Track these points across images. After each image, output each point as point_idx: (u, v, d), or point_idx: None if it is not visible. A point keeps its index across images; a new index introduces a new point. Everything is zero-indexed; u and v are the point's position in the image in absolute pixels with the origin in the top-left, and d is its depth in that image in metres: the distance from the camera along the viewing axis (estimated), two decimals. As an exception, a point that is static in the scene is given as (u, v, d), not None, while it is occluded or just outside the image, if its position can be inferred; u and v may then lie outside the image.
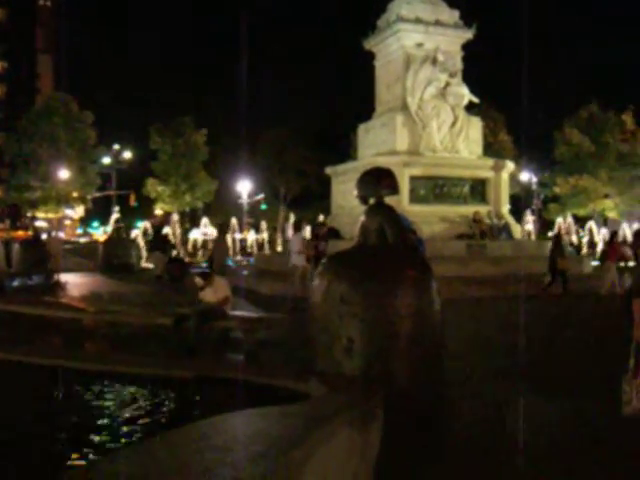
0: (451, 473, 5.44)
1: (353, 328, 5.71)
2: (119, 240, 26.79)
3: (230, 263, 37.22)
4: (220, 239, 19.16)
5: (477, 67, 28.83)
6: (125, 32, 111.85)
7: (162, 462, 3.11)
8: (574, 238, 43.10)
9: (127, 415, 6.50)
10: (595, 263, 27.89)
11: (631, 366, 6.53)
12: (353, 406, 4.50)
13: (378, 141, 26.29)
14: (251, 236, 47.12)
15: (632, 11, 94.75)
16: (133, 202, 59.34)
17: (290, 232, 49.57)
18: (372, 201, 6.70)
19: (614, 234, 24.20)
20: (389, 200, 6.78)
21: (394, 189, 6.80)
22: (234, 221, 48.19)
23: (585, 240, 42.10)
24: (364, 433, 4.43)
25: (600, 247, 37.99)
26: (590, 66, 74.70)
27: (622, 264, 21.87)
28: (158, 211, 59.17)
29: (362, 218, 6.68)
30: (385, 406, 4.96)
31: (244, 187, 59.04)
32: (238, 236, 47.99)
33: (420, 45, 25.77)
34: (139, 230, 38.36)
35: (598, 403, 7.35)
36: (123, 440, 5.83)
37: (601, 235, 42.36)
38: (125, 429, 6.20)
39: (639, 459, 5.75)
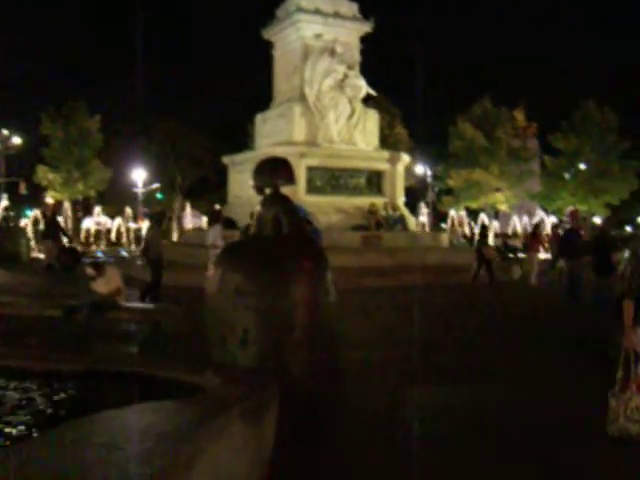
0: (342, 464, 5.44)
1: (248, 319, 5.66)
2: (7, 229, 25.74)
3: (124, 253, 36.48)
4: (153, 229, 18.55)
5: (375, 60, 29.11)
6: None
7: (38, 464, 2.92)
8: (467, 230, 44.31)
9: (9, 412, 6.19)
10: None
11: (619, 378, 5.95)
12: (246, 398, 4.42)
13: (276, 131, 26.19)
14: (146, 226, 46.26)
15: (516, 7, 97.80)
16: (23, 190, 57.19)
17: (188, 219, 49.07)
18: (268, 191, 6.61)
19: (537, 226, 25.28)
20: (286, 190, 6.71)
21: (290, 179, 6.74)
22: (128, 210, 47.19)
23: (477, 232, 43.25)
24: (258, 426, 4.36)
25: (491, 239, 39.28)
26: (484, 63, 76.74)
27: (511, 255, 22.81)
28: (49, 199, 57.19)
29: (257, 208, 6.59)
30: (280, 397, 4.91)
31: (139, 176, 57.76)
32: (133, 226, 47.06)
33: (319, 36, 25.81)
34: (29, 219, 37.08)
35: (498, 390, 7.53)
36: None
37: (492, 228, 43.68)
38: (6, 428, 5.90)
39: (532, 447, 5.88)
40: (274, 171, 6.73)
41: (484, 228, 24.75)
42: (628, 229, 59.34)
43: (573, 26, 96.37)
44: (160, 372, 6.05)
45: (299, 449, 5.16)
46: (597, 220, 57.86)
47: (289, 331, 5.68)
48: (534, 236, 22.85)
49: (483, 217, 43.88)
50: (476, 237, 42.00)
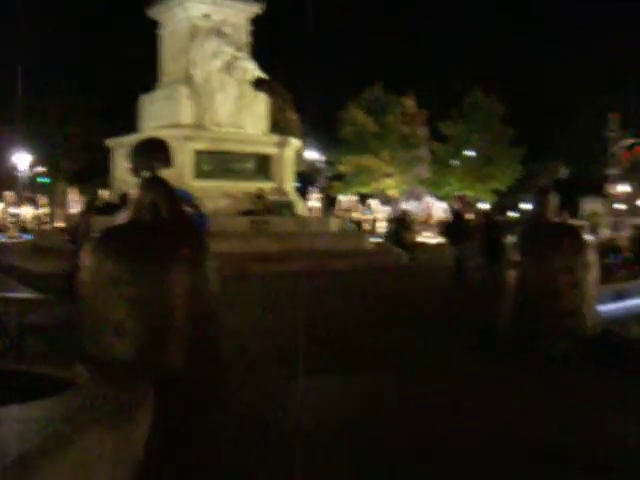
0: (222, 458, 5.23)
1: (123, 309, 5.35)
2: None
3: (2, 239, 34.94)
4: (85, 214, 17.50)
5: (266, 43, 28.76)
6: None
7: None
8: (357, 215, 44.74)
9: None
10: (376, 239, 29.04)
11: None
12: (115, 397, 4.11)
13: (162, 114, 25.46)
14: (28, 211, 44.49)
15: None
16: None
17: (72, 204, 47.38)
18: (145, 174, 6.26)
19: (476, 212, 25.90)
20: (171, 174, 6.37)
21: (167, 162, 6.39)
22: (9, 195, 45.18)
23: (369, 217, 43.76)
24: (126, 426, 4.05)
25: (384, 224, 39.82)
26: (376, 49, 77.34)
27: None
28: None
29: (132, 192, 6.27)
30: (158, 391, 4.61)
31: (21, 159, 55.34)
32: (14, 210, 45.16)
33: (207, 16, 25.20)
34: None
35: (390, 379, 7.45)
36: None
37: (382, 212, 44.28)
38: None
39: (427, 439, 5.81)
40: (151, 153, 6.39)
41: (404, 214, 25.27)
42: (512, 214, 61.34)
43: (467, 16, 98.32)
44: (25, 367, 5.65)
45: (174, 449, 4.89)
46: (484, 205, 59.61)
47: (166, 321, 5.41)
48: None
49: (373, 202, 44.41)
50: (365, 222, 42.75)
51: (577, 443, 5.50)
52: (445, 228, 20.57)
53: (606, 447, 5.42)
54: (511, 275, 9.25)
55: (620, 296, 13.87)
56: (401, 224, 23.23)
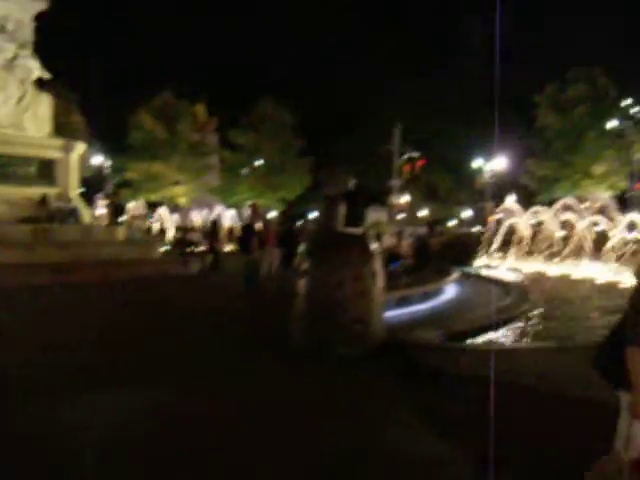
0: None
1: None
2: None
3: None
4: None
5: (52, 42, 27.32)
6: None
7: None
8: (146, 223, 43.70)
9: None
10: (165, 248, 28.52)
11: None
12: None
13: None
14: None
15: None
16: None
17: None
18: None
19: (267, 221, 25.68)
20: None
21: None
22: None
23: (157, 226, 42.89)
24: None
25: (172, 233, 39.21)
26: (167, 55, 76.30)
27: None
28: None
29: None
30: None
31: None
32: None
33: (-9, 11, 23.56)
34: None
35: (171, 394, 7.20)
36: None
37: (172, 221, 43.58)
38: None
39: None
40: None
41: (215, 223, 25.34)
42: (301, 223, 62.81)
43: (251, 28, 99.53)
44: None
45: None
46: (273, 214, 60.53)
47: None
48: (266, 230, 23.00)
49: (162, 210, 43.65)
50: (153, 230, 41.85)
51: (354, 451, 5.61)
52: (238, 237, 20.66)
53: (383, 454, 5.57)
54: (301, 284, 9.37)
55: (403, 302, 14.54)
56: (212, 233, 23.56)
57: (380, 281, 9.42)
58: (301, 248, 9.89)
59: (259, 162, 60.68)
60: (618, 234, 29.13)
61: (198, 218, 49.36)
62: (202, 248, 28.74)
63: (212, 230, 24.22)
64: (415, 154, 55.10)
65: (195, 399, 6.96)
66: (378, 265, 9.41)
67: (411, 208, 69.84)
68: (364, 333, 9.05)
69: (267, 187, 60.67)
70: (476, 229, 48.48)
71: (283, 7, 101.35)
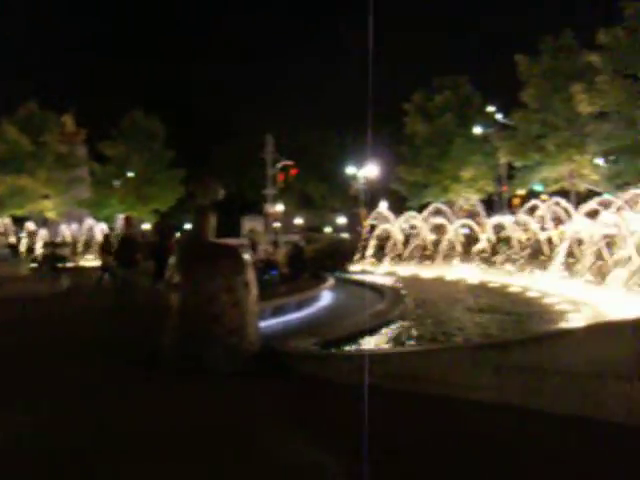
0: None
1: None
2: None
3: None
4: None
5: None
6: None
7: None
8: (13, 239, 41.96)
9: None
10: (32, 265, 27.39)
11: None
12: None
13: None
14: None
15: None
16: None
17: None
18: None
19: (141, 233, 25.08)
20: None
21: None
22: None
23: (24, 242, 41.31)
24: None
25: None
26: (31, 65, 73.58)
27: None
28: None
29: None
30: None
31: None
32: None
33: None
34: None
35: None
36: None
37: (40, 236, 42.02)
38: None
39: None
40: None
41: (107, 237, 24.11)
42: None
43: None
44: None
45: None
46: (146, 226, 59.41)
47: None
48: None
49: (31, 225, 42.03)
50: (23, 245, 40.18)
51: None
52: (115, 251, 19.96)
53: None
54: (173, 296, 9.15)
55: (279, 311, 14.50)
56: (101, 248, 22.54)
57: (254, 291, 9.31)
58: (172, 260, 9.63)
59: (130, 174, 59.39)
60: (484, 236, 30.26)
61: (68, 232, 47.79)
62: (71, 264, 27.79)
63: (104, 243, 22.90)
64: (289, 163, 55.41)
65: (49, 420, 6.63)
66: (251, 275, 9.29)
67: (286, 216, 70.17)
68: (239, 345, 8.90)
69: (139, 199, 59.48)
70: (350, 235, 49.23)
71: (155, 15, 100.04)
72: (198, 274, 9.01)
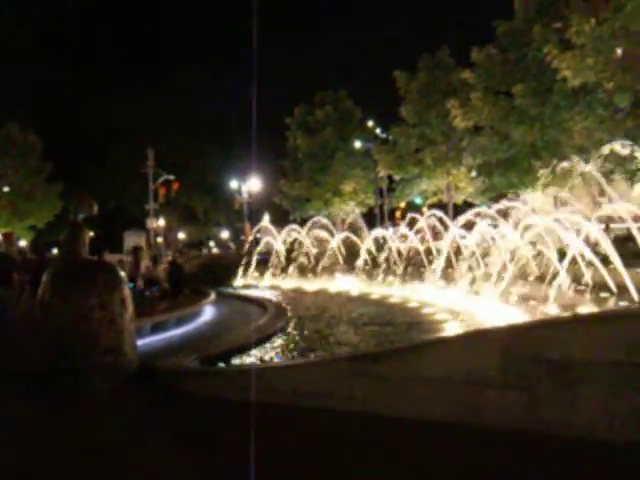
0: None
1: None
2: None
3: None
4: None
5: None
6: None
7: None
8: None
9: None
10: None
11: None
12: None
13: None
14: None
15: None
16: None
17: None
18: None
19: (136, 249, 24.11)
20: None
21: None
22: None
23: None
24: None
25: None
26: None
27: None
28: None
29: None
30: None
31: None
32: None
33: None
34: None
35: None
36: None
37: None
38: None
39: None
40: None
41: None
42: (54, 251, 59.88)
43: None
44: None
45: None
46: (23, 243, 57.28)
47: None
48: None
49: None
50: None
51: None
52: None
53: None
54: (44, 314, 8.82)
55: (158, 328, 14.21)
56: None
57: (130, 308, 9.08)
58: (45, 277, 9.27)
59: (5, 189, 57.04)
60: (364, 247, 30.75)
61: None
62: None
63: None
64: (171, 177, 54.67)
65: None
66: (127, 291, 9.06)
67: (170, 231, 69.17)
68: (115, 363, 8.65)
69: (14, 215, 57.18)
70: (234, 249, 48.98)
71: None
72: (72, 291, 8.71)
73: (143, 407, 7.78)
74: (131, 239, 57.83)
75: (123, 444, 6.29)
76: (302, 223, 40.35)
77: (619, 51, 27.36)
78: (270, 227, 37.76)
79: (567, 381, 5.59)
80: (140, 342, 10.33)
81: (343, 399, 6.84)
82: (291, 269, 32.96)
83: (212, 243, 75.16)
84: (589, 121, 28.73)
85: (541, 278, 17.60)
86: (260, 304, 20.09)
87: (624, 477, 4.92)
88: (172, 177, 54.98)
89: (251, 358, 11.78)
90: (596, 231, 15.87)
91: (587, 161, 23.92)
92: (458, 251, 23.38)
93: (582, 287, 15.98)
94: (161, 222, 59.44)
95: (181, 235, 76.01)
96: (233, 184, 61.62)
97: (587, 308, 13.53)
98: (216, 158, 74.55)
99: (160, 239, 58.98)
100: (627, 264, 15.23)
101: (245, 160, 59.03)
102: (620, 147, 22.37)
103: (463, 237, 22.95)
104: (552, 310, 14.70)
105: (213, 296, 19.82)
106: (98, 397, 8.08)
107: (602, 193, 24.63)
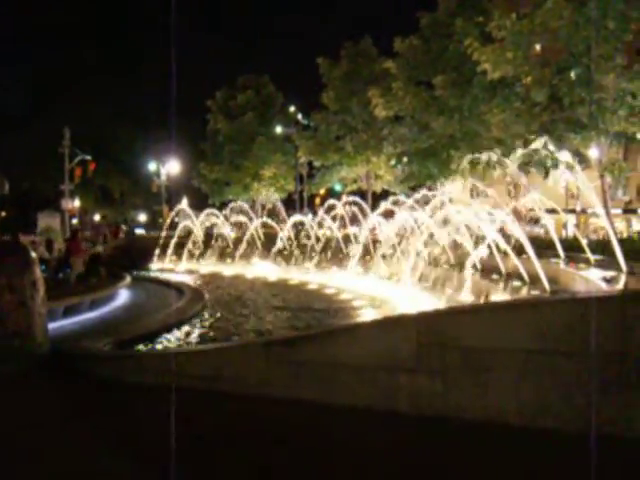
0: None
1: None
2: None
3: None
4: None
5: None
6: None
7: None
8: None
9: None
10: None
11: None
12: None
13: None
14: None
15: None
16: None
17: None
18: None
19: (76, 231, 23.99)
20: None
21: None
22: None
23: None
24: None
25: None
26: None
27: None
28: None
29: None
30: None
31: None
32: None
33: None
34: None
35: None
36: None
37: None
38: None
39: None
40: None
41: None
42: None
43: None
44: None
45: None
46: None
47: None
48: (73, 241, 20.53)
49: None
50: None
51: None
52: None
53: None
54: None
55: (72, 311, 13.90)
56: None
57: (42, 290, 8.84)
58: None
59: None
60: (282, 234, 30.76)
61: None
62: None
63: None
64: (87, 157, 53.23)
65: None
66: (38, 273, 8.82)
67: (85, 213, 67.62)
68: (24, 346, 8.42)
69: None
70: (153, 233, 48.25)
71: None
72: (-21, 273, 8.43)
73: (52, 391, 7.59)
74: (45, 220, 56.13)
75: (26, 427, 6.13)
76: (220, 207, 40.06)
77: (538, 46, 28.00)
78: (188, 211, 37.31)
79: (478, 367, 5.72)
80: (52, 325, 10.09)
81: (258, 384, 6.83)
82: (209, 253, 32.73)
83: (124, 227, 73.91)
84: (506, 114, 29.22)
85: (457, 266, 17.97)
86: (177, 288, 19.87)
87: (526, 459, 5.06)
88: (88, 157, 53.55)
89: (166, 342, 11.64)
90: (510, 221, 16.22)
91: (505, 154, 24.45)
92: (376, 238, 23.63)
93: (496, 276, 16.37)
94: (76, 203, 57.94)
95: (96, 217, 74.39)
96: (151, 166, 60.54)
97: (499, 296, 13.84)
98: (135, 139, 73.11)
99: (75, 220, 57.50)
100: (540, 254, 15.61)
101: (164, 142, 58.12)
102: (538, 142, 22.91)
103: (380, 224, 23.19)
104: (466, 297, 15.02)
105: (128, 279, 19.51)
106: (4, 380, 7.85)
107: (517, 185, 25.21)
